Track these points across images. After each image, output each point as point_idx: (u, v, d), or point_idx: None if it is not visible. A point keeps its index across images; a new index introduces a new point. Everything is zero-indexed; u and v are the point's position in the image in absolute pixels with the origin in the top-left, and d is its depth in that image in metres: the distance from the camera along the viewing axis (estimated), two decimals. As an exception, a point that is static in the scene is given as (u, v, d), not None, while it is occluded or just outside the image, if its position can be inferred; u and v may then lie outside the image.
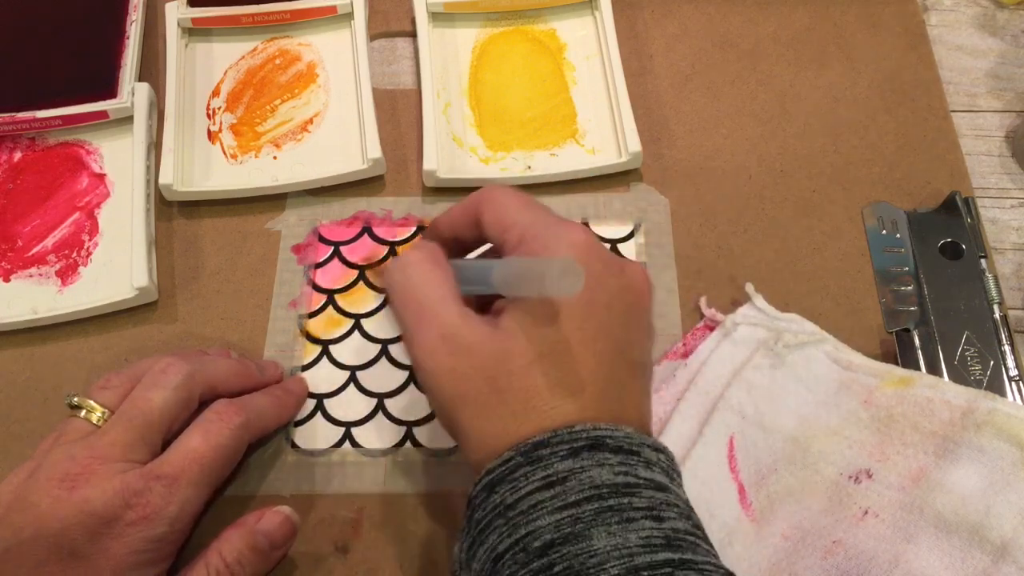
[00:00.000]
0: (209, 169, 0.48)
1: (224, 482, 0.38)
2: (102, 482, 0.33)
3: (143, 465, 0.34)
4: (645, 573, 0.26)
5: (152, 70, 0.52)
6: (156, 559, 0.34)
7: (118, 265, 0.45)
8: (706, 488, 0.38)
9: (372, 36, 0.54)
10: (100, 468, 0.33)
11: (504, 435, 0.30)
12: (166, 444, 0.35)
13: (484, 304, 0.34)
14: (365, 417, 0.42)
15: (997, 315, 0.43)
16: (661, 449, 0.30)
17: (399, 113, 0.51)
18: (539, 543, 0.27)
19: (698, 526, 0.29)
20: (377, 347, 0.44)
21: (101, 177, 0.48)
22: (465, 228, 0.35)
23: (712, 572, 0.27)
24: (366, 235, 0.47)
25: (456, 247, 0.36)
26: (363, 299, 0.45)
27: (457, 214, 0.36)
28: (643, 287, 0.33)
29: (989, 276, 0.44)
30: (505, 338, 0.31)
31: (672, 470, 0.30)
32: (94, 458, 0.33)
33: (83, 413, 0.36)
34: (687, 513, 0.29)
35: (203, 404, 0.37)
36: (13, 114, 0.48)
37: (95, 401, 0.36)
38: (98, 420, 0.36)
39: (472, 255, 0.38)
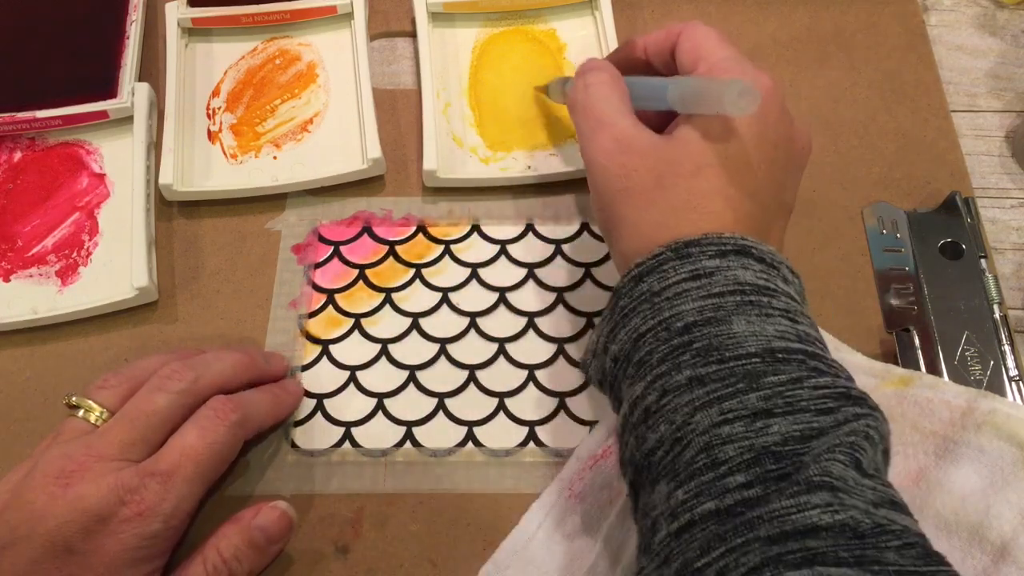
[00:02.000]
0: (209, 169, 0.48)
1: (220, 479, 0.38)
2: (97, 479, 0.33)
3: (138, 464, 0.34)
4: (780, 355, 0.29)
5: (152, 70, 0.52)
6: (151, 556, 0.34)
7: (118, 265, 0.45)
8: (706, 488, 0.38)
9: (372, 36, 0.54)
10: (96, 465, 0.33)
11: (660, 229, 0.33)
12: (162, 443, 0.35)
13: (656, 129, 0.37)
14: (365, 417, 0.42)
15: (997, 315, 0.43)
16: (796, 274, 0.33)
17: (399, 113, 0.51)
18: (681, 323, 0.30)
19: (823, 340, 0.31)
20: (377, 347, 0.44)
21: (101, 177, 0.48)
22: (659, 52, 0.39)
23: (838, 370, 0.30)
24: (366, 235, 0.47)
25: (642, 69, 0.39)
26: (363, 299, 0.45)
27: (656, 36, 0.39)
28: (807, 145, 0.37)
29: (989, 276, 0.44)
30: (676, 145, 0.34)
31: (802, 293, 0.34)
32: (90, 456, 0.34)
33: (81, 413, 0.36)
34: (815, 326, 0.32)
35: None
36: (13, 114, 0.48)
37: (93, 401, 0.36)
38: (96, 420, 0.36)
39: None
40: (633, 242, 0.34)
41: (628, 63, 0.40)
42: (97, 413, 0.36)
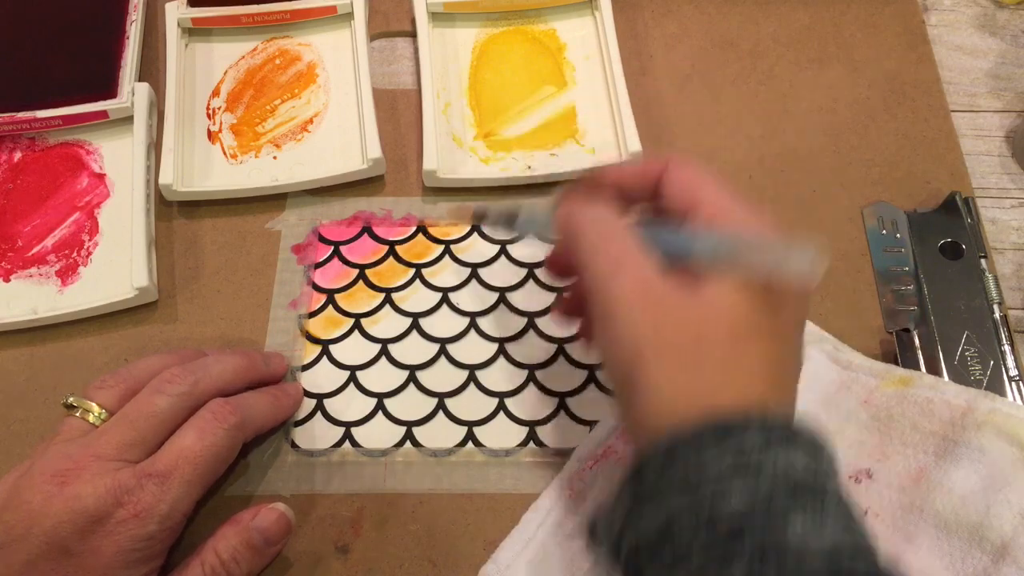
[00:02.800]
0: (209, 169, 0.48)
1: (219, 480, 0.38)
2: (94, 479, 0.33)
3: (136, 464, 0.34)
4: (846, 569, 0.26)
5: (152, 70, 0.52)
6: (147, 557, 0.34)
7: (118, 265, 0.45)
8: (706, 488, 0.38)
9: (372, 36, 0.54)
10: (93, 465, 0.33)
11: (693, 398, 0.29)
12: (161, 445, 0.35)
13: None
14: (365, 417, 0.42)
15: (997, 315, 0.43)
16: (831, 449, 0.30)
17: (399, 113, 0.51)
18: (726, 527, 0.26)
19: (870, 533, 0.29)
20: (377, 347, 0.44)
21: (101, 177, 0.48)
22: (636, 185, 0.34)
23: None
24: (366, 235, 0.47)
25: (610, 200, 0.35)
26: (363, 299, 0.45)
27: (635, 170, 0.35)
28: (807, 299, 0.34)
29: (989, 276, 0.44)
30: (710, 306, 0.30)
31: (836, 469, 0.30)
32: (88, 456, 0.33)
33: (80, 413, 0.36)
34: (860, 516, 0.28)
35: None
36: (13, 114, 0.48)
37: (92, 401, 0.36)
38: (95, 420, 0.36)
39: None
40: (660, 409, 0.29)
41: (601, 194, 0.35)
42: (96, 413, 0.36)
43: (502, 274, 0.46)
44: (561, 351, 0.43)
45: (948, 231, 0.46)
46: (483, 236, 0.47)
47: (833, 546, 0.26)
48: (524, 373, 0.43)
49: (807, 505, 0.27)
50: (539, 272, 0.46)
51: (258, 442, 0.41)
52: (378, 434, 0.41)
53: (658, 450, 0.28)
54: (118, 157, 0.49)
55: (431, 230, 0.47)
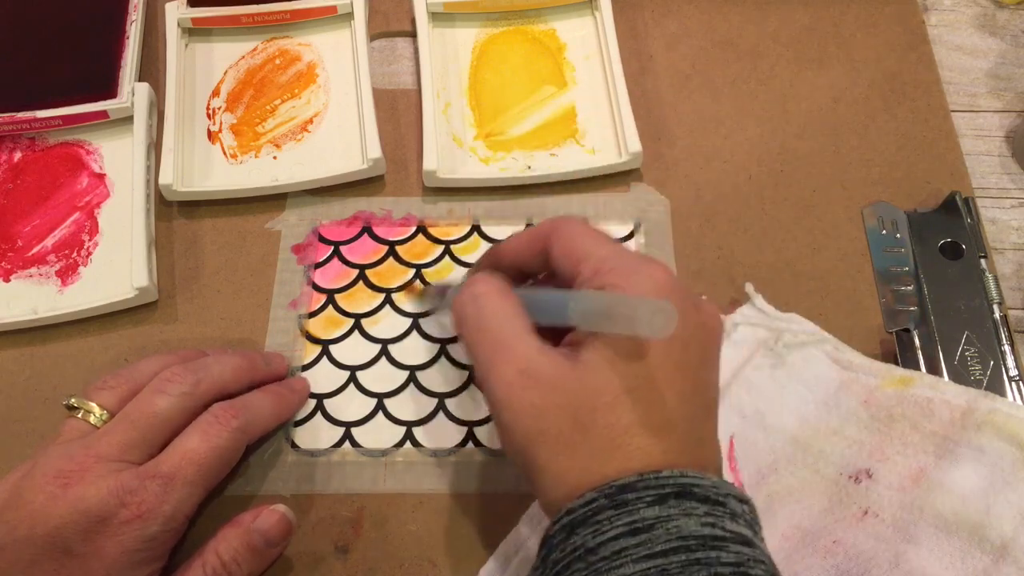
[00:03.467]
0: (209, 169, 0.48)
1: (220, 482, 0.38)
2: (97, 480, 0.33)
3: (139, 465, 0.34)
4: None
5: (152, 70, 0.52)
6: (150, 558, 0.34)
7: (118, 265, 0.45)
8: (706, 488, 0.38)
9: (372, 36, 0.54)
10: (95, 466, 0.33)
11: (586, 474, 0.29)
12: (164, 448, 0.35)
13: (553, 336, 0.33)
14: (365, 417, 0.42)
15: (997, 315, 0.43)
16: (745, 500, 0.30)
17: (399, 113, 0.51)
18: None
19: None
20: (377, 347, 0.44)
21: (101, 177, 0.48)
22: (530, 257, 0.35)
23: None
24: (366, 235, 0.47)
25: (515, 276, 0.36)
26: (363, 299, 0.45)
27: (523, 242, 0.35)
28: (717, 325, 0.33)
29: (989, 276, 0.44)
30: (588, 373, 0.30)
31: (755, 523, 0.30)
32: (90, 456, 0.33)
33: (80, 414, 0.36)
34: (772, 571, 0.28)
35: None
36: (13, 114, 0.48)
37: (93, 402, 0.36)
38: (96, 420, 0.36)
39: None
40: (559, 491, 0.29)
41: (505, 273, 0.35)
42: (97, 414, 0.36)
43: (502, 274, 0.46)
44: (561, 351, 0.43)
45: (948, 231, 0.46)
46: (483, 236, 0.47)
47: None
48: (524, 373, 0.43)
49: (702, 559, 0.27)
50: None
51: (258, 442, 0.41)
52: (378, 434, 0.41)
53: (559, 527, 0.29)
54: (118, 157, 0.49)
55: (431, 230, 0.47)
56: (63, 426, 0.36)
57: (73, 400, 0.36)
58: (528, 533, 0.38)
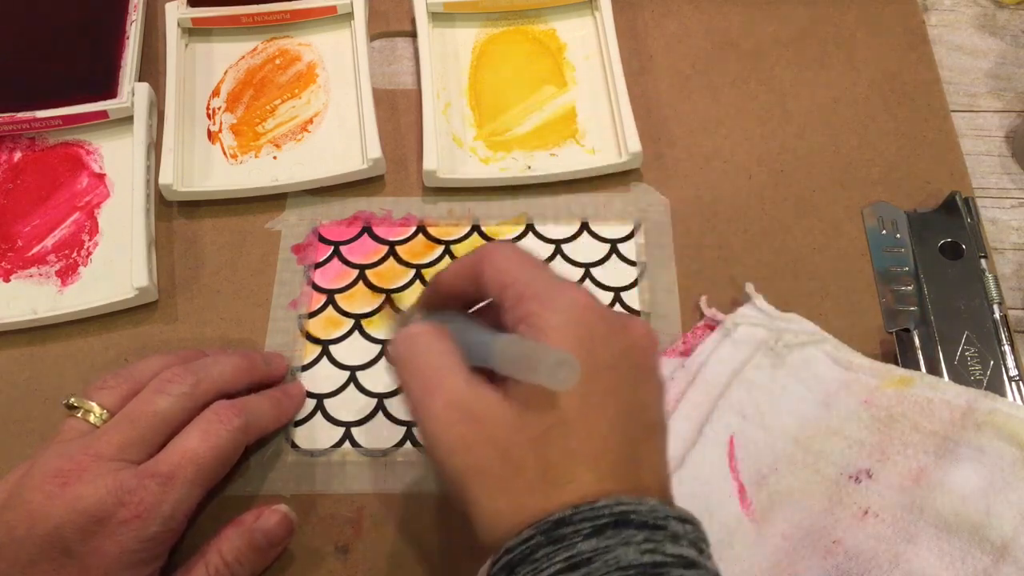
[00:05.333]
0: (209, 169, 0.48)
1: (220, 482, 0.38)
2: (95, 479, 0.33)
3: (138, 464, 0.34)
4: None
5: (152, 70, 0.52)
6: (148, 558, 0.34)
7: (118, 265, 0.45)
8: (706, 488, 0.38)
9: (372, 36, 0.54)
10: (93, 465, 0.33)
11: (521, 511, 0.29)
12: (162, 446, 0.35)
13: (491, 373, 0.32)
14: (365, 417, 0.42)
15: (997, 315, 0.43)
16: (688, 519, 0.29)
17: (399, 113, 0.51)
18: None
19: None
20: (377, 347, 0.44)
21: (101, 177, 0.48)
22: (466, 284, 0.34)
23: None
24: (366, 235, 0.47)
25: (457, 303, 0.36)
26: (363, 299, 0.45)
27: (458, 270, 0.35)
28: (648, 343, 0.32)
29: (989, 276, 0.44)
30: (517, 406, 0.30)
31: (701, 540, 0.29)
32: (88, 456, 0.33)
33: (80, 413, 0.36)
34: None
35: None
36: (13, 114, 0.48)
37: (93, 401, 0.36)
38: (96, 420, 0.36)
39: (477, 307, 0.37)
40: (495, 528, 0.29)
41: (440, 301, 0.36)
42: (97, 413, 0.36)
43: (502, 274, 0.46)
44: (561, 351, 0.43)
45: (948, 231, 0.46)
46: (483, 236, 0.47)
47: None
48: (524, 373, 0.43)
49: None
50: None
51: (259, 443, 0.41)
52: (378, 434, 0.41)
53: (498, 567, 0.28)
54: (118, 157, 0.49)
55: (431, 230, 0.47)
56: (62, 425, 0.36)
57: (73, 400, 0.36)
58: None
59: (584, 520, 0.27)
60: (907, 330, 0.43)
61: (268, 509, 0.37)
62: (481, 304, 0.36)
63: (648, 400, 0.32)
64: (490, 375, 0.32)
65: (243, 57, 0.52)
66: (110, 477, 0.33)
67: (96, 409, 0.36)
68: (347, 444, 0.41)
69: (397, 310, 0.45)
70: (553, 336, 0.30)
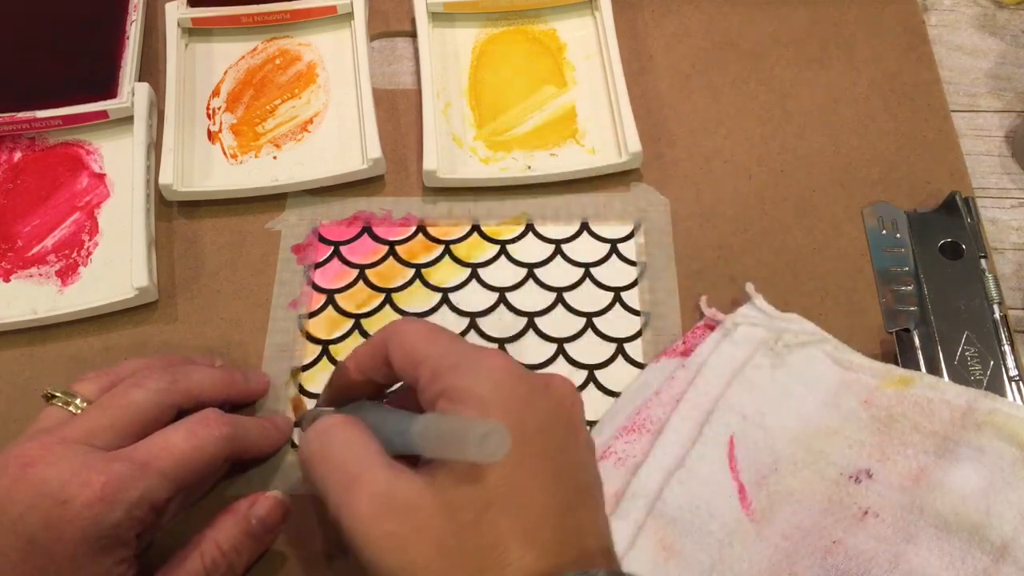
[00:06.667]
0: (209, 169, 0.48)
1: (220, 484, 0.38)
2: (58, 461, 0.32)
3: (106, 451, 0.33)
4: None
5: (152, 70, 0.52)
6: (111, 546, 0.32)
7: (118, 265, 0.45)
8: (706, 488, 0.38)
9: (372, 36, 0.54)
10: (57, 447, 0.32)
11: None
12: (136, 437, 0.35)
13: (413, 461, 0.31)
14: (365, 417, 0.42)
15: (997, 315, 0.43)
16: None
17: (399, 113, 0.51)
18: None
19: None
20: (377, 347, 0.44)
21: (101, 177, 0.48)
22: (375, 368, 0.33)
23: None
24: (366, 235, 0.47)
25: (369, 389, 0.35)
26: (363, 299, 0.45)
27: (364, 354, 0.34)
28: (572, 400, 0.31)
29: (989, 276, 0.44)
30: (445, 492, 0.28)
31: None
32: (54, 438, 0.33)
33: (60, 403, 0.35)
34: None
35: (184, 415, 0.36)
36: (13, 114, 0.48)
37: (74, 392, 0.36)
38: (75, 409, 0.35)
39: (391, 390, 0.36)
40: None
41: (349, 390, 0.35)
42: (77, 401, 0.35)
43: (502, 274, 0.46)
44: (561, 352, 0.43)
45: (948, 231, 0.46)
46: (483, 236, 0.47)
47: None
48: (524, 373, 0.43)
49: None
50: (539, 272, 0.45)
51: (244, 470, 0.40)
52: (378, 434, 0.41)
53: None
54: (118, 157, 0.49)
55: (431, 230, 0.47)
56: (41, 413, 0.35)
57: (51, 390, 0.36)
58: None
59: None
60: (907, 330, 0.43)
61: (262, 495, 0.37)
62: (393, 388, 0.35)
63: (579, 460, 0.31)
64: (412, 462, 0.30)
65: (243, 57, 0.52)
66: (76, 459, 0.32)
67: (77, 400, 0.35)
68: (347, 444, 0.41)
69: (299, 407, 0.42)
70: (476, 406, 0.28)
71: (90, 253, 0.46)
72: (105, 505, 0.31)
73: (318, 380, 0.43)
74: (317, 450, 0.31)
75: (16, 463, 0.32)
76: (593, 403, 0.42)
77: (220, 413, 0.36)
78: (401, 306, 0.45)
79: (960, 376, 0.41)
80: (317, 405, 0.38)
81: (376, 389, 0.35)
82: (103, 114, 0.48)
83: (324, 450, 0.31)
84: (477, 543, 0.27)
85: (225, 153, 0.49)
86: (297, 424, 0.41)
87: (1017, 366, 0.41)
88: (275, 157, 0.49)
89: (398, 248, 0.47)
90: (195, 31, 0.53)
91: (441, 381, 0.30)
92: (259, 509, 0.36)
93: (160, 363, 0.38)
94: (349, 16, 0.53)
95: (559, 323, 0.44)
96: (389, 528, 0.28)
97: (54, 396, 0.36)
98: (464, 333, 0.44)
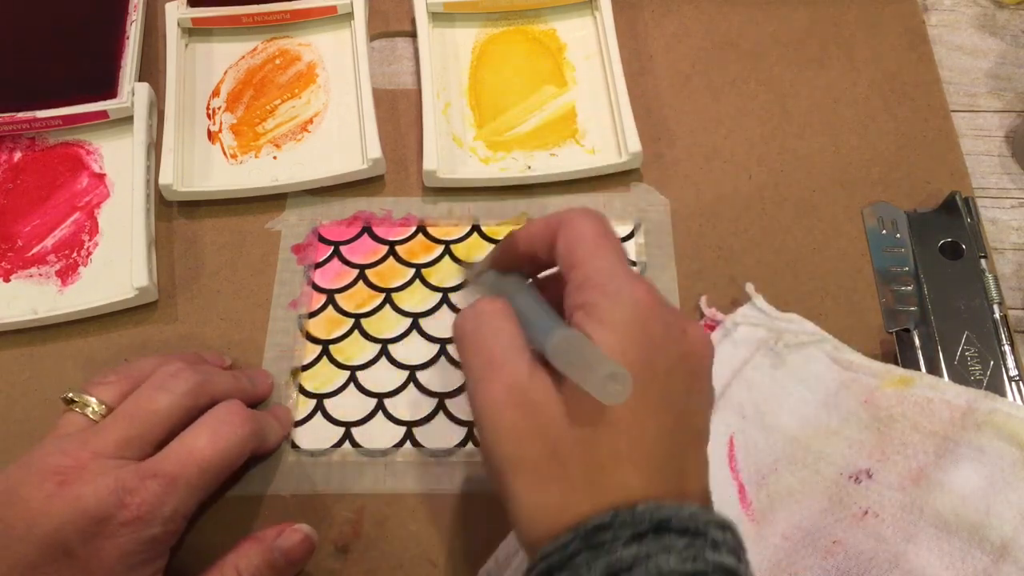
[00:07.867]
0: (209, 169, 0.48)
1: (221, 485, 0.38)
2: (95, 478, 0.32)
3: (138, 463, 0.34)
4: None
5: (152, 70, 0.52)
6: (148, 559, 0.33)
7: (118, 265, 0.45)
8: (706, 488, 0.38)
9: (372, 36, 0.54)
10: (93, 463, 0.33)
11: (562, 511, 0.28)
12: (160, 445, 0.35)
13: None
14: (365, 417, 0.42)
15: (997, 315, 0.43)
16: (727, 526, 0.28)
17: (399, 113, 0.51)
18: None
19: None
20: (377, 347, 0.44)
21: (101, 177, 0.48)
22: (541, 247, 0.34)
23: None
24: (366, 235, 0.47)
25: (528, 265, 0.35)
26: (363, 299, 0.45)
27: (535, 231, 0.34)
28: (705, 351, 0.32)
29: (989, 276, 0.44)
30: (571, 401, 0.29)
31: (739, 548, 0.28)
32: (87, 452, 0.33)
33: (79, 408, 0.36)
34: None
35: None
36: (13, 114, 0.48)
37: (91, 396, 0.36)
38: (94, 414, 0.35)
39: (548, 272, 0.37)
40: (533, 525, 0.29)
41: (511, 261, 0.35)
42: (94, 407, 0.35)
43: (502, 274, 0.46)
44: (561, 351, 0.43)
45: (948, 231, 0.46)
46: (483, 236, 0.47)
47: None
48: (524, 373, 0.43)
49: None
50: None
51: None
52: (378, 434, 0.41)
53: (537, 571, 0.28)
54: (118, 157, 0.49)
55: (431, 230, 0.47)
56: (60, 419, 0.36)
57: (71, 394, 0.36)
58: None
59: (624, 525, 0.27)
60: (907, 330, 0.43)
61: (289, 528, 0.37)
62: (550, 271, 0.36)
63: (698, 407, 0.31)
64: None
65: (243, 57, 0.52)
66: (110, 476, 0.32)
67: (94, 404, 0.36)
68: (347, 444, 0.41)
69: (458, 261, 0.45)
70: (609, 334, 0.29)
71: (90, 253, 0.46)
72: (142, 523, 0.32)
73: (318, 380, 0.43)
74: (471, 331, 0.32)
75: (53, 480, 0.32)
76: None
77: (242, 407, 0.37)
78: (401, 306, 0.45)
79: (960, 376, 0.41)
80: (480, 263, 0.38)
81: (536, 267, 0.36)
82: (103, 114, 0.48)
83: (476, 332, 0.32)
84: (590, 456, 0.29)
85: (225, 153, 0.49)
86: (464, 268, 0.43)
87: (1017, 366, 0.41)
88: (275, 157, 0.49)
89: (398, 248, 0.47)
90: (195, 31, 0.53)
91: (586, 293, 0.30)
92: (285, 541, 0.36)
93: (180, 361, 0.38)
94: (349, 16, 0.53)
95: (559, 323, 0.44)
96: (514, 419, 0.29)
97: (73, 401, 0.36)
98: (464, 333, 0.44)
